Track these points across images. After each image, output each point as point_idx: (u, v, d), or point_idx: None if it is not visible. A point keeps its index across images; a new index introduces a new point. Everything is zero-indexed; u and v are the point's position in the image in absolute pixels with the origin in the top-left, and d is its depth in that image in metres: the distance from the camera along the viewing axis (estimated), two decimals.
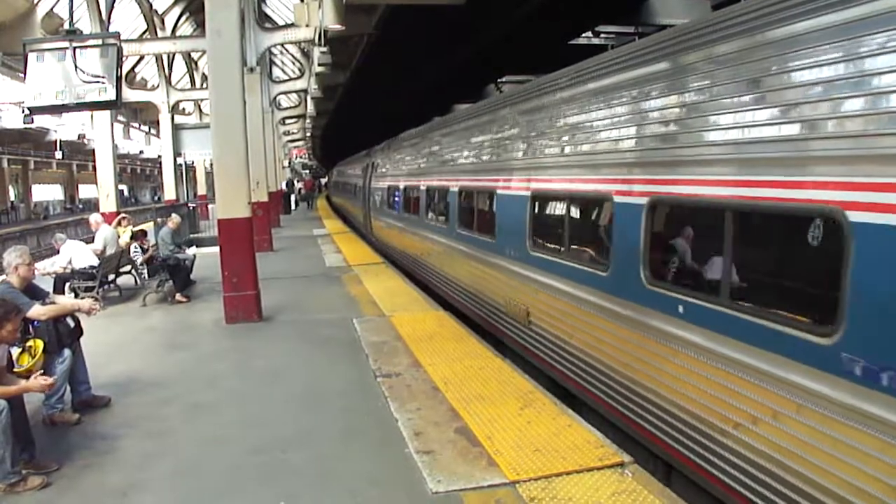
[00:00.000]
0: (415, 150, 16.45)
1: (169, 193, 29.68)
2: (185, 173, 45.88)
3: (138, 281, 14.14)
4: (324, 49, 19.05)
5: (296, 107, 42.81)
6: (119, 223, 15.04)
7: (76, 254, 12.05)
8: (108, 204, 19.93)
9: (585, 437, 5.69)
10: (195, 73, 38.35)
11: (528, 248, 8.65)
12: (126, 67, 26.54)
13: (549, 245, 8.28)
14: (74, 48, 10.84)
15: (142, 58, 31.04)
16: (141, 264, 13.80)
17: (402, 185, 16.89)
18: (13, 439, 5.16)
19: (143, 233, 14.66)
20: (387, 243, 19.85)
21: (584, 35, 20.45)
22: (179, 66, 36.53)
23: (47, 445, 5.91)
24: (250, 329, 10.50)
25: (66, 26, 11.66)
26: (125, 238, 14.20)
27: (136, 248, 13.69)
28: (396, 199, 17.55)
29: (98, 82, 10.88)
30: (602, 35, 20.17)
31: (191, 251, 14.44)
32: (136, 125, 66.05)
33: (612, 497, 4.68)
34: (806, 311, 4.36)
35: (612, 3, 17.46)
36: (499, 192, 9.72)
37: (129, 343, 9.88)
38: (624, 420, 6.35)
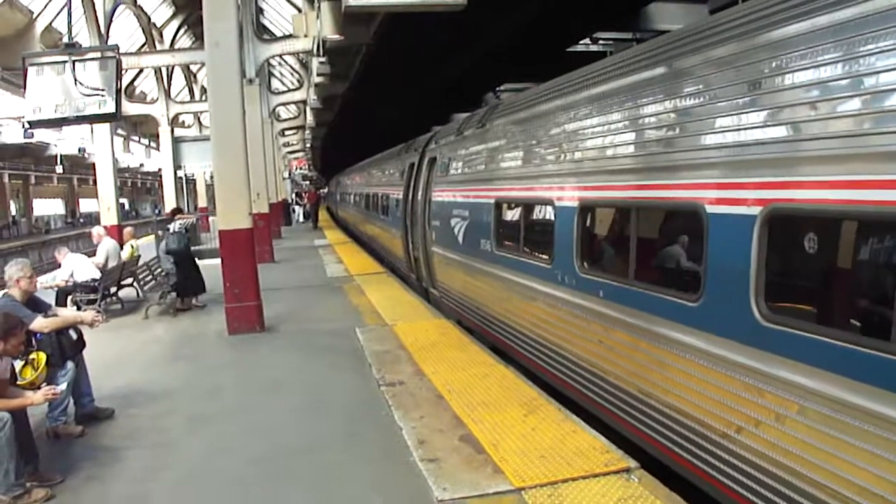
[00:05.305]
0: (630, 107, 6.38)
1: (169, 206, 29.71)
2: (186, 186, 45.93)
3: (140, 293, 14.14)
4: (322, 60, 19.06)
5: (295, 118, 42.87)
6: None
7: (78, 267, 12.06)
8: (110, 217, 19.94)
9: (591, 443, 5.67)
10: (194, 85, 38.45)
11: None
12: (125, 81, 26.58)
13: None
14: (74, 61, 10.90)
15: (141, 71, 31.12)
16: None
17: (563, 197, 7.37)
18: (17, 452, 5.15)
19: None
20: (500, 319, 9.53)
21: (581, 42, 20.58)
22: (178, 78, 36.64)
23: (51, 458, 5.89)
24: (253, 340, 10.48)
25: (65, 40, 11.72)
26: (126, 251, 14.22)
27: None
28: (532, 229, 8.65)
29: (97, 95, 10.94)
30: (601, 42, 20.29)
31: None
32: (136, 138, 66.10)
33: (619, 503, 4.65)
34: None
35: (610, 11, 17.55)
36: None
37: (131, 355, 9.88)
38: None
